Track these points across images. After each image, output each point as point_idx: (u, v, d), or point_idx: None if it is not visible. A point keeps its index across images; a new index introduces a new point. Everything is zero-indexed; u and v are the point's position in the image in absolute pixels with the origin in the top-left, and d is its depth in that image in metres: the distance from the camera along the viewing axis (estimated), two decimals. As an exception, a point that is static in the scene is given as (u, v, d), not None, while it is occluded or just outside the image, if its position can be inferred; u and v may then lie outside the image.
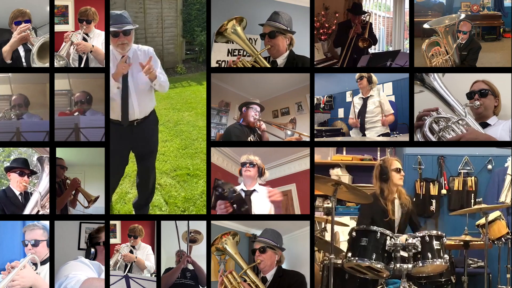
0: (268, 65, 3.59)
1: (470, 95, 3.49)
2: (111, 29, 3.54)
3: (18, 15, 3.62)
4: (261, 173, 3.58)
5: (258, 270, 3.36)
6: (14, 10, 3.62)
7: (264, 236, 3.40)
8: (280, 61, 3.61)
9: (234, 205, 3.29)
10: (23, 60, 3.64)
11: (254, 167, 3.54)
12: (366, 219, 3.70)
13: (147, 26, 7.04)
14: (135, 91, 3.66)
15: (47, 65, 3.60)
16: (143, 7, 7.05)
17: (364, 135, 4.29)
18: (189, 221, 3.62)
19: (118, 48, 3.59)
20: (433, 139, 3.42)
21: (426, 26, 3.77)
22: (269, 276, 3.34)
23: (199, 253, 3.56)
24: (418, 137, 3.47)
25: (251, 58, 3.59)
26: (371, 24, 4.31)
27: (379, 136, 4.25)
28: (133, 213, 4.03)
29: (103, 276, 3.19)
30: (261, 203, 3.49)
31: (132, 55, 3.66)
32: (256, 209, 3.47)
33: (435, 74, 3.56)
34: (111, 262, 3.47)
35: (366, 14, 4.28)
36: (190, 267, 3.54)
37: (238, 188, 3.54)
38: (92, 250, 3.36)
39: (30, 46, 3.61)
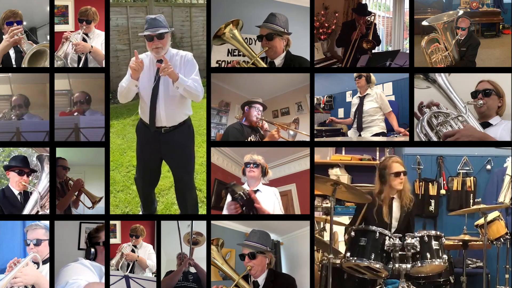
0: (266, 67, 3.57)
1: (474, 94, 3.49)
2: (146, 33, 3.45)
3: (10, 16, 3.59)
4: (264, 173, 3.56)
5: (248, 274, 3.29)
6: (6, 11, 3.60)
7: (252, 239, 3.30)
8: (278, 62, 3.61)
9: (244, 208, 3.24)
10: (13, 61, 3.62)
11: (258, 167, 3.53)
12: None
13: (193, 34, 7.10)
14: (163, 97, 3.52)
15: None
16: (189, 15, 7.11)
17: (360, 135, 4.30)
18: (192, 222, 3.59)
19: (152, 52, 3.51)
20: (431, 133, 3.42)
21: (424, 23, 3.79)
22: (261, 280, 3.27)
23: (201, 255, 3.51)
24: (417, 130, 3.46)
25: (250, 60, 3.58)
26: (375, 25, 4.31)
27: (373, 136, 4.26)
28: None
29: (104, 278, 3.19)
30: (264, 202, 3.45)
31: (169, 60, 3.52)
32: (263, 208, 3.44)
33: (438, 69, 3.56)
34: (114, 262, 3.47)
35: (371, 15, 4.29)
36: (192, 270, 3.48)
37: (247, 189, 3.50)
38: (92, 250, 3.33)
39: (21, 48, 3.59)
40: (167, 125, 3.60)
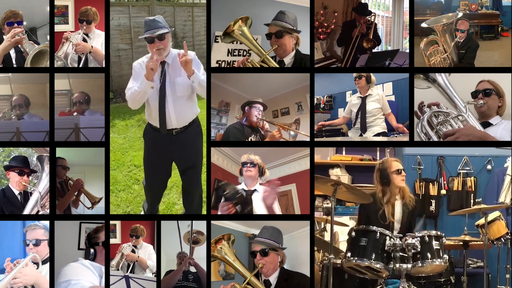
0: (277, 65, 3.54)
1: (475, 94, 3.50)
2: (145, 35, 3.43)
3: (10, 16, 3.60)
4: (261, 173, 3.55)
5: (259, 272, 3.21)
6: (6, 11, 3.61)
7: (264, 236, 3.24)
8: (288, 60, 3.57)
9: (237, 206, 3.21)
10: (14, 61, 3.63)
11: (255, 167, 3.51)
12: (365, 219, 3.70)
13: (195, 33, 7.11)
14: (172, 98, 3.51)
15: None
16: (192, 15, 7.13)
17: (361, 135, 4.30)
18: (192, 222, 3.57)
19: (155, 54, 3.48)
20: (431, 132, 3.44)
21: (424, 25, 3.79)
22: (273, 279, 3.20)
23: (201, 255, 3.49)
24: (417, 130, 3.48)
25: (259, 58, 3.54)
26: (375, 24, 4.31)
27: (375, 136, 4.26)
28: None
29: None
30: (262, 203, 3.44)
31: (172, 61, 3.53)
32: (257, 209, 3.43)
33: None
34: (114, 262, 3.46)
35: (371, 15, 4.29)
36: (192, 269, 3.46)
37: (239, 188, 3.50)
38: (92, 250, 3.32)
39: (22, 48, 3.59)
40: (178, 126, 3.59)
